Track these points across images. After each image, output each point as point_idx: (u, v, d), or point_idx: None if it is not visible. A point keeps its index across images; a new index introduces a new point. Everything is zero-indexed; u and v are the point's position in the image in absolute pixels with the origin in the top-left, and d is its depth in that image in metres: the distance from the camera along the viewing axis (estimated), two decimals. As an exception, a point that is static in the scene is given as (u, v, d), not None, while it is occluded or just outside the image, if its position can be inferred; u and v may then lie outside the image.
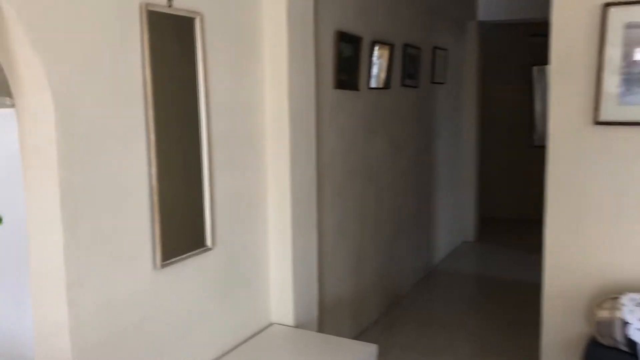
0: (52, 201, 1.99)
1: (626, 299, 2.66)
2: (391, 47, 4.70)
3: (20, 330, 2.73)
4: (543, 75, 7.89)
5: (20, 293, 2.70)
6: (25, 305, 2.62)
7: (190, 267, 2.61)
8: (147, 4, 2.27)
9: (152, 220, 2.36)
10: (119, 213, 2.23)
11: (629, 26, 2.79)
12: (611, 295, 2.80)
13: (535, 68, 8.19)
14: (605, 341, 2.66)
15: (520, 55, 8.27)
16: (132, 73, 2.26)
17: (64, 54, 1.98)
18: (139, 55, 2.28)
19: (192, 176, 2.61)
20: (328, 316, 3.92)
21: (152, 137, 2.33)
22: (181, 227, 2.54)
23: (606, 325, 2.65)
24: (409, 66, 5.23)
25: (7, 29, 1.86)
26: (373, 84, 4.51)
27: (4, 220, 2.55)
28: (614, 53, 2.83)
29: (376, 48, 4.45)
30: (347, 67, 4.03)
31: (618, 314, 2.61)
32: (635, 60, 2.82)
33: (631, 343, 2.55)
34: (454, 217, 6.98)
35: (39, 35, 1.89)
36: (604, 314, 2.69)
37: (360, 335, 4.44)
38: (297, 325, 3.25)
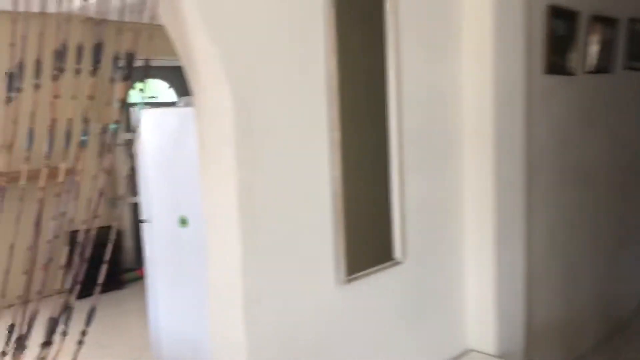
0: (229, 206, 1.81)
1: None
2: (613, 22, 3.90)
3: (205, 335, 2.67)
4: None
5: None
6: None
7: (378, 282, 2.29)
8: (332, -16, 2.00)
9: (336, 230, 2.08)
10: (300, 221, 1.98)
11: None
12: None
13: None
14: None
15: None
16: (315, 63, 2.00)
17: (242, 43, 1.78)
18: (322, 43, 2.01)
19: (380, 179, 2.28)
20: (535, 344, 3.33)
21: (336, 135, 2.05)
22: (367, 238, 2.23)
23: None
24: (635, 45, 4.33)
25: (184, 18, 1.71)
26: (590, 67, 3.77)
27: (190, 222, 2.50)
28: None
29: (595, 24, 3.70)
30: (560, 48, 3.39)
31: None
32: None
33: None
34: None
35: (215, 24, 1.71)
36: None
37: (573, 367, 3.74)
38: (501, 355, 2.76)
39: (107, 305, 4.83)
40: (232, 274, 1.83)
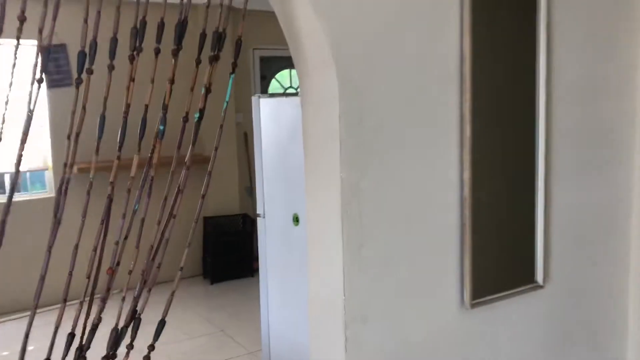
0: (332, 210, 1.56)
1: None
2: None
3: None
4: None
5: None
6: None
7: (511, 309, 1.90)
8: (470, -53, 1.65)
9: (462, 244, 1.74)
10: (417, 231, 1.68)
11: None
12: None
13: None
14: None
15: None
16: (443, 43, 1.67)
17: (353, 17, 1.51)
18: (454, 19, 1.67)
19: (520, 185, 1.89)
20: None
21: (467, 130, 1.71)
22: (500, 255, 1.86)
23: None
24: None
25: (288, -8, 1.49)
26: None
27: (302, 221, 2.31)
28: None
29: None
30: None
31: None
32: None
33: None
34: None
35: (322, -4, 1.46)
36: None
37: None
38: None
39: (237, 292, 4.89)
40: (334, 288, 1.58)
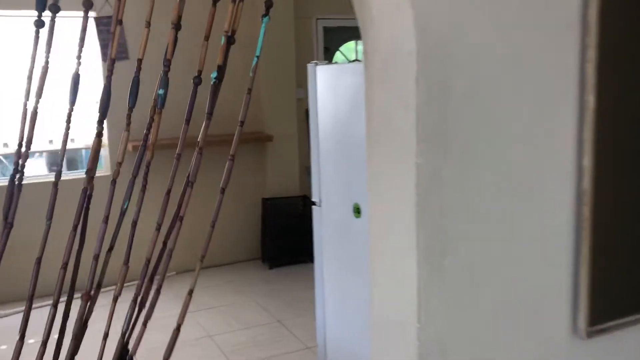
0: (403, 205, 1.17)
1: None
2: None
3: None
4: None
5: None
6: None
7: None
8: None
9: (577, 252, 1.30)
10: (516, 236, 1.26)
11: None
12: None
13: None
14: None
15: None
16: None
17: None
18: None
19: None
20: None
21: (591, 101, 1.25)
22: (630, 268, 1.40)
23: None
24: None
25: None
26: None
27: (364, 212, 1.92)
28: None
29: None
30: None
31: None
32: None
33: None
34: None
35: None
36: None
37: None
38: None
39: (295, 278, 4.59)
40: (405, 310, 1.20)
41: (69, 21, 3.57)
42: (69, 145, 4.51)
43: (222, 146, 4.88)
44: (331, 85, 2.06)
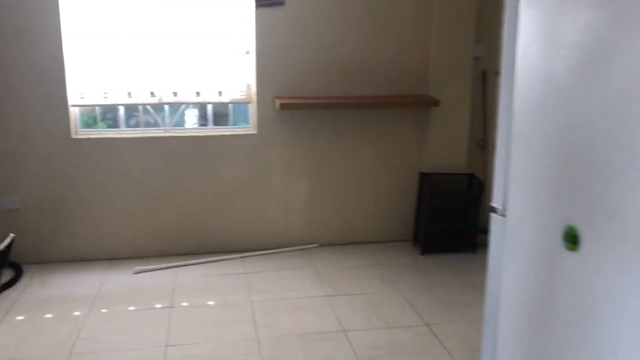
0: None
1: None
2: None
3: None
4: None
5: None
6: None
7: None
8: None
9: None
10: None
11: None
12: None
13: None
14: None
15: None
16: None
17: None
18: None
19: None
20: None
21: None
22: None
23: None
24: None
25: None
26: None
27: (583, 243, 1.19)
28: None
29: None
30: None
31: None
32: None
33: None
34: None
35: None
36: None
37: None
38: None
39: (452, 271, 3.89)
40: None
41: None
42: (216, 99, 4.24)
43: (383, 108, 4.25)
44: (546, 30, 1.28)
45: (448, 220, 4.21)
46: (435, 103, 4.01)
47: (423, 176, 4.19)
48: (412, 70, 4.10)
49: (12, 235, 2.08)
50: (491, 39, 4.26)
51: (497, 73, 4.34)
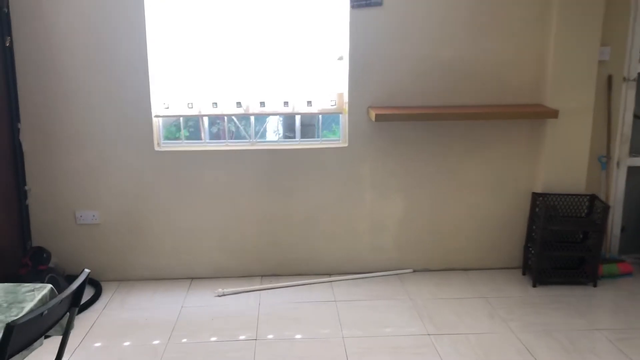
0: None
1: None
2: None
3: None
4: None
5: None
6: None
7: None
8: None
9: None
10: None
11: None
12: None
13: None
14: None
15: None
16: None
17: None
18: None
19: None
20: None
21: None
22: None
23: None
24: None
25: None
26: None
27: None
28: None
29: None
30: None
31: None
32: None
33: None
34: None
35: None
36: None
37: None
38: None
39: (571, 308, 3.36)
40: None
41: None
42: (305, 109, 3.92)
43: (492, 120, 3.74)
44: None
45: (565, 247, 3.67)
46: (552, 114, 3.50)
47: (536, 197, 3.67)
48: (525, 76, 3.60)
49: (87, 271, 1.81)
50: (618, 40, 3.70)
51: (625, 79, 3.80)
